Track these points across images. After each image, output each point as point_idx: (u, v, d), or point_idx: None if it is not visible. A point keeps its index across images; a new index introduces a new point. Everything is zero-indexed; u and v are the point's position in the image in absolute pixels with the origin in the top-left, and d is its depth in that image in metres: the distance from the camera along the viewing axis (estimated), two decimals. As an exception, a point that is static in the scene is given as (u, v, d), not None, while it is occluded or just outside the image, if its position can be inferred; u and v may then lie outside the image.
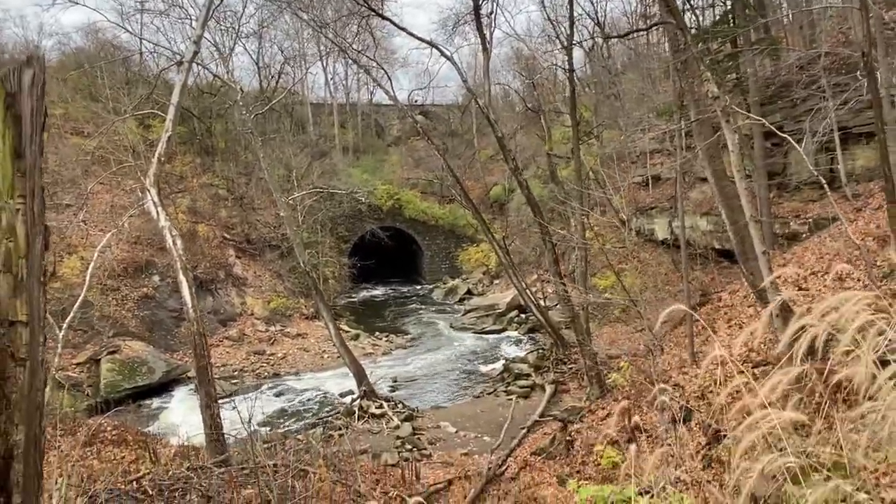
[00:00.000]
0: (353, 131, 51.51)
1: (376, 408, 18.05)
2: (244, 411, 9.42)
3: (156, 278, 26.43)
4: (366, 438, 16.11)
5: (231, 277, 30.39)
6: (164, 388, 21.49)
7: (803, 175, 19.78)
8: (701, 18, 25.73)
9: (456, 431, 16.48)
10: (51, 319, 13.35)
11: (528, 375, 20.69)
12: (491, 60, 21.17)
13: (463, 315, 31.67)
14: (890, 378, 2.14)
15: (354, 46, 25.92)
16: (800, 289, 12.43)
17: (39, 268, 2.55)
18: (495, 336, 27.81)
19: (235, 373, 23.48)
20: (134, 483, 9.01)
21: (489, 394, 19.83)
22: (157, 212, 13.31)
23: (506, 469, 13.03)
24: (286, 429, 17.42)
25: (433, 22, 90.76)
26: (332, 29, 24.00)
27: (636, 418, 8.35)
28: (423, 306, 36.13)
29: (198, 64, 20.16)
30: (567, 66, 19.55)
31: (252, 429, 10.09)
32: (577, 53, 38.76)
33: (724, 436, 7.77)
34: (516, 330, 28.27)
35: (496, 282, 37.23)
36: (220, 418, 12.65)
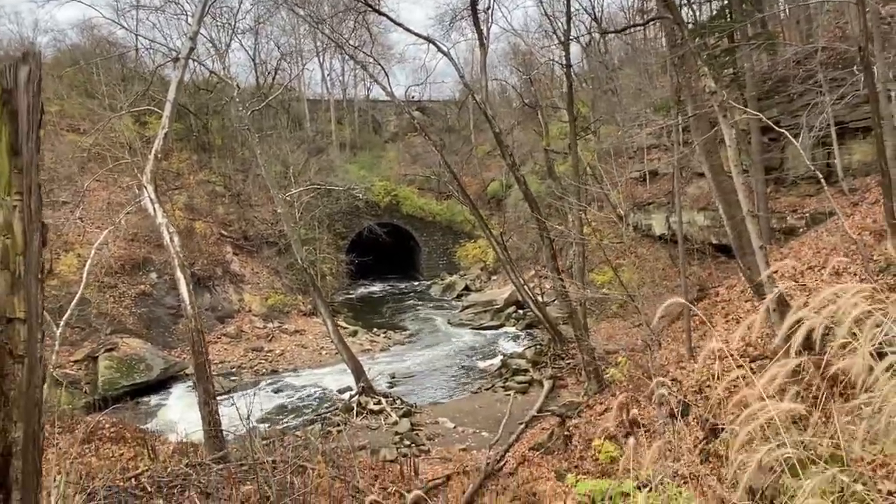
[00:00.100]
0: (350, 127, 51.44)
1: (374, 404, 18.06)
2: (242, 408, 9.42)
3: (153, 275, 26.40)
4: (364, 434, 16.14)
5: (228, 274, 30.36)
6: (162, 385, 21.48)
7: (800, 170, 19.81)
8: (698, 13, 25.75)
9: (454, 427, 16.51)
10: (48, 317, 13.33)
11: (526, 371, 20.73)
12: (488, 56, 21.16)
13: (460, 311, 31.69)
14: (887, 369, 2.15)
15: (351, 42, 25.86)
16: (797, 283, 12.46)
17: (37, 265, 2.55)
18: (493, 332, 27.84)
19: (233, 369, 23.49)
20: (132, 480, 9.02)
21: (487, 389, 19.86)
22: (154, 209, 13.29)
23: (504, 464, 13.06)
24: (285, 425, 17.43)
25: (430, 17, 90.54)
26: (329, 25, 23.93)
27: (634, 411, 8.38)
28: (420, 302, 36.14)
29: (194, 60, 20.11)
30: (564, 62, 19.53)
31: (250, 425, 10.10)
32: (574, 49, 38.65)
33: (722, 430, 7.80)
34: (514, 326, 28.31)
35: (494, 278, 37.27)
36: (218, 415, 12.67)
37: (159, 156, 14.04)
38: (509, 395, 18.73)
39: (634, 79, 33.13)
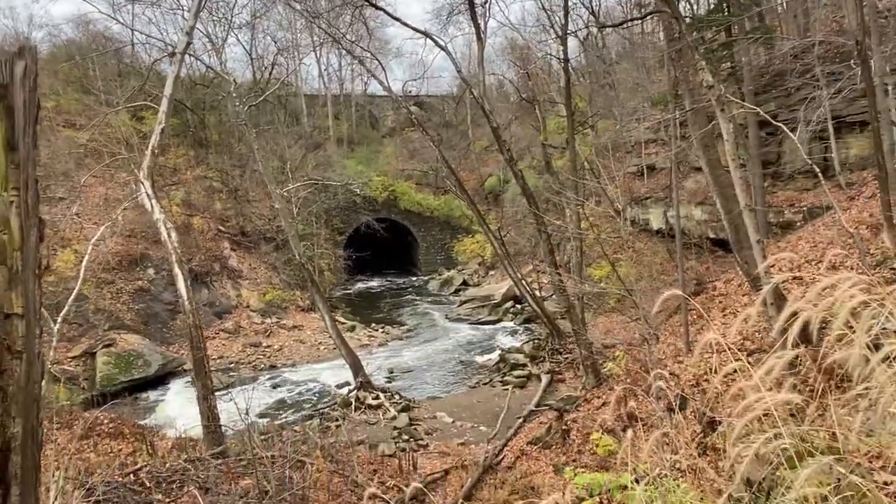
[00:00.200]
0: (347, 122, 51.33)
1: (373, 399, 18.09)
2: (241, 403, 9.44)
3: (150, 271, 26.38)
4: (363, 429, 16.17)
5: (226, 270, 30.34)
6: (160, 380, 21.49)
7: (797, 164, 19.83)
8: (695, 7, 25.75)
9: (452, 421, 16.55)
10: (45, 313, 13.32)
11: (524, 365, 20.77)
12: (485, 50, 21.12)
13: (458, 306, 31.72)
14: (883, 360, 2.16)
15: (348, 37, 25.78)
16: (794, 277, 12.48)
17: (34, 260, 2.55)
18: (491, 327, 27.87)
19: (232, 365, 23.50)
20: (131, 475, 9.04)
21: (485, 384, 19.90)
22: (152, 204, 13.28)
23: (502, 458, 13.10)
24: (283, 420, 17.46)
25: (427, 11, 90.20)
26: (326, 19, 23.84)
27: (632, 404, 8.40)
28: (418, 297, 36.17)
29: (190, 55, 20.06)
30: (562, 56, 19.51)
31: (249, 420, 10.12)
32: (572, 43, 38.56)
33: (719, 423, 7.82)
34: (512, 320, 28.35)
35: (491, 272, 37.29)
36: (216, 410, 12.70)
37: (156, 151, 14.02)
38: (507, 389, 18.77)
39: (632, 73, 33.12)
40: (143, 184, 13.51)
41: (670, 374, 12.80)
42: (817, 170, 11.15)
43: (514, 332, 26.58)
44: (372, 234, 37.12)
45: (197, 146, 35.87)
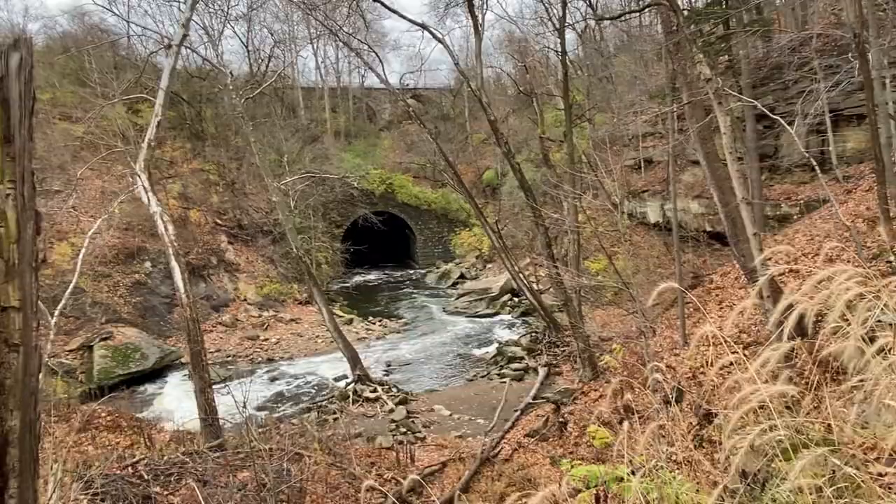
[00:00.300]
0: (344, 115, 51.17)
1: (370, 392, 18.12)
2: (238, 396, 9.44)
3: (147, 264, 26.34)
4: (360, 422, 16.20)
5: (223, 263, 30.31)
6: (157, 373, 21.49)
7: (794, 157, 19.85)
8: (693, 0, 25.65)
9: (450, 414, 16.59)
10: (42, 306, 13.29)
11: (522, 358, 20.82)
12: (483, 43, 21.06)
13: (456, 299, 31.74)
14: (878, 352, 2.17)
15: (345, 29, 25.71)
16: (791, 270, 12.52)
17: (31, 253, 2.54)
18: (488, 320, 27.92)
19: (229, 358, 23.51)
20: (129, 468, 9.05)
21: (483, 377, 19.95)
22: (148, 197, 13.24)
23: (499, 451, 13.15)
24: (281, 413, 17.49)
25: (424, 3, 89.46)
26: (322, 11, 23.73)
27: (628, 397, 8.43)
28: (416, 291, 36.19)
29: (186, 47, 19.93)
30: (559, 49, 19.46)
31: (247, 413, 10.13)
32: (570, 36, 38.55)
33: (715, 416, 7.86)
34: (509, 313, 28.39)
35: (489, 266, 37.32)
36: (214, 403, 12.70)
37: (152, 144, 13.97)
38: (504, 382, 18.81)
39: (630, 66, 33.05)
40: (139, 177, 13.47)
41: (667, 366, 12.86)
42: (814, 163, 11.14)
43: (511, 325, 26.62)
44: (369, 227, 37.09)
45: (194, 139, 35.73)
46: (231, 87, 22.65)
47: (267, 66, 41.53)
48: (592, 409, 13.11)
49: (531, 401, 16.41)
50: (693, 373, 11.95)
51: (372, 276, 40.98)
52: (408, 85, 45.30)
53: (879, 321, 2.29)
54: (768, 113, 11.55)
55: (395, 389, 18.56)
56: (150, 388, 20.62)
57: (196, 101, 35.83)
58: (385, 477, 11.33)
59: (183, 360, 21.44)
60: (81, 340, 21.23)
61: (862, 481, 2.12)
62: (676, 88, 14.69)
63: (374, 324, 28.06)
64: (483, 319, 27.99)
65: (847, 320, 2.30)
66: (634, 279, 18.84)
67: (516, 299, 29.07)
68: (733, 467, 2.16)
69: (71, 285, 14.13)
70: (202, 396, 12.61)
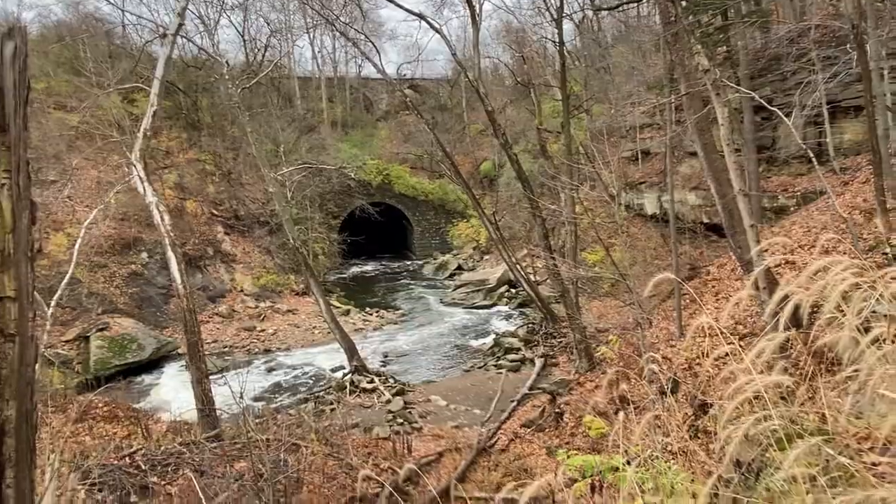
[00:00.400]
0: (341, 106, 50.99)
1: (367, 382, 18.17)
2: (235, 387, 9.46)
3: (144, 255, 26.28)
4: (357, 413, 16.24)
5: (220, 254, 30.27)
6: (154, 364, 21.49)
7: (792, 149, 19.86)
8: (692, -10, 25.51)
9: (447, 405, 16.65)
10: (38, 296, 13.26)
11: (518, 349, 20.87)
12: (480, 33, 20.97)
13: (453, 290, 31.78)
14: (872, 343, 2.18)
15: (342, 19, 25.53)
16: (787, 262, 12.56)
17: (27, 243, 2.53)
18: (485, 311, 27.96)
19: (226, 349, 23.52)
20: (127, 458, 9.08)
21: (479, 368, 20.00)
22: (144, 187, 13.20)
23: (496, 441, 13.20)
24: (278, 404, 17.52)
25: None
26: (319, 0, 23.59)
27: (624, 387, 8.47)
28: (413, 282, 36.21)
29: (182, 37, 19.80)
30: (557, 39, 19.39)
31: (244, 404, 10.15)
32: (568, 26, 38.45)
33: (711, 406, 7.91)
34: (506, 305, 28.44)
35: (486, 257, 37.33)
36: (211, 394, 12.72)
37: (148, 134, 13.91)
38: (501, 373, 18.87)
39: (628, 57, 32.98)
40: (135, 166, 13.42)
41: (663, 357, 12.89)
42: (811, 155, 11.17)
43: (508, 317, 26.67)
44: (367, 218, 37.03)
45: (189, 129, 35.58)
46: (227, 77, 22.53)
47: (263, 56, 41.29)
48: (588, 400, 13.16)
49: (527, 391, 16.47)
50: (689, 364, 12.00)
51: (369, 267, 40.97)
52: (405, 75, 45.10)
53: (874, 312, 2.31)
54: (766, 104, 11.55)
55: (392, 380, 18.61)
56: (146, 378, 20.63)
57: (192, 91, 35.65)
58: (382, 467, 11.37)
59: (180, 350, 21.45)
60: (78, 331, 21.21)
61: (856, 471, 2.14)
62: (674, 79, 14.67)
63: (371, 315, 28.08)
64: (480, 310, 28.04)
65: (842, 311, 2.31)
66: (631, 271, 18.86)
67: (513, 290, 29.11)
68: (727, 457, 2.18)
69: (67, 275, 14.09)
70: (199, 387, 12.62)
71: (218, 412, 12.86)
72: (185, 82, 35.18)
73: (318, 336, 24.70)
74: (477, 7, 20.27)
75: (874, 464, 2.16)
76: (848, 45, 15.25)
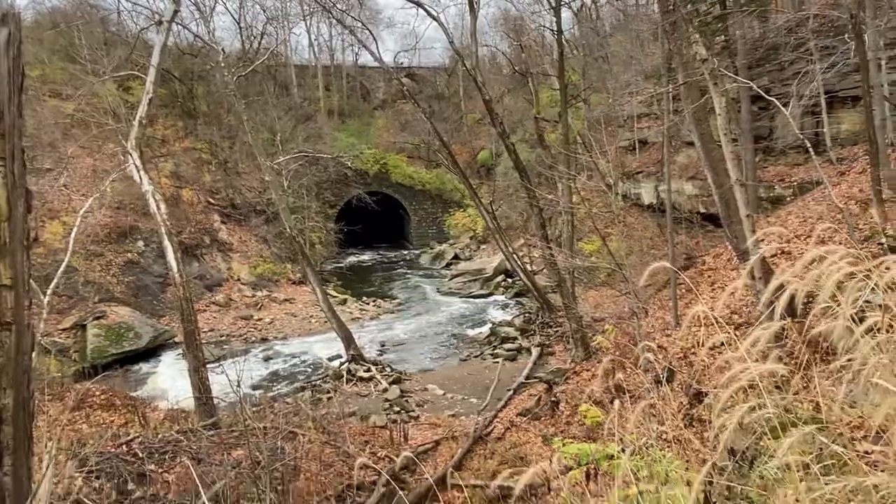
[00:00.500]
0: (338, 94, 50.75)
1: (364, 371, 18.22)
2: (232, 375, 9.47)
3: (140, 244, 26.22)
4: (354, 401, 16.30)
5: (216, 243, 30.21)
6: (151, 353, 21.51)
7: (789, 139, 19.86)
8: (690, -21, 25.37)
9: (443, 394, 16.71)
10: (34, 285, 13.23)
11: (515, 339, 20.93)
12: (478, 21, 20.84)
13: (450, 280, 31.81)
14: (866, 332, 2.20)
15: (338, 6, 25.35)
16: (782, 252, 12.60)
17: (22, 231, 2.53)
18: (482, 300, 28.01)
19: (223, 338, 23.53)
20: (124, 446, 9.10)
21: (476, 357, 20.06)
22: (140, 176, 13.15)
23: (492, 429, 13.27)
24: (275, 392, 17.56)
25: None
26: (316, -12, 23.41)
27: (619, 376, 8.51)
28: (410, 271, 36.22)
29: (178, 24, 19.68)
30: (555, 28, 19.30)
31: (241, 392, 10.17)
32: (566, 14, 38.21)
33: (706, 395, 7.95)
34: (503, 294, 28.48)
35: (483, 246, 37.34)
36: (208, 382, 12.75)
37: (144, 122, 13.84)
38: (498, 362, 18.93)
39: (626, 46, 32.85)
40: (131, 155, 13.36)
41: (658, 346, 12.97)
42: (808, 145, 11.17)
43: (505, 306, 26.72)
44: (363, 207, 36.98)
45: (185, 117, 35.39)
46: (223, 65, 22.37)
47: (259, 44, 41.06)
48: (584, 389, 13.23)
49: (524, 380, 16.54)
50: (684, 353, 12.06)
51: (366, 257, 40.96)
52: (402, 63, 44.90)
53: (869, 301, 2.32)
54: (764, 94, 11.53)
55: (388, 369, 18.65)
56: (144, 367, 20.65)
57: (188, 79, 35.42)
58: (379, 455, 11.43)
59: (177, 339, 21.45)
60: (74, 319, 21.19)
61: (849, 459, 2.16)
62: (672, 69, 14.61)
63: (367, 304, 28.11)
64: (477, 300, 28.08)
65: (837, 301, 2.32)
66: (628, 260, 18.88)
67: (510, 280, 29.15)
68: (722, 445, 2.20)
69: (63, 264, 14.08)
70: (196, 375, 12.64)
71: (215, 400, 12.89)
72: (180, 70, 34.96)
73: (314, 325, 24.73)
74: (474, -5, 20.12)
75: (867, 452, 2.18)
76: (846, 35, 15.21)
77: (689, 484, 2.63)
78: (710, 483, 2.42)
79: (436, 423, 14.40)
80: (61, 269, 13.74)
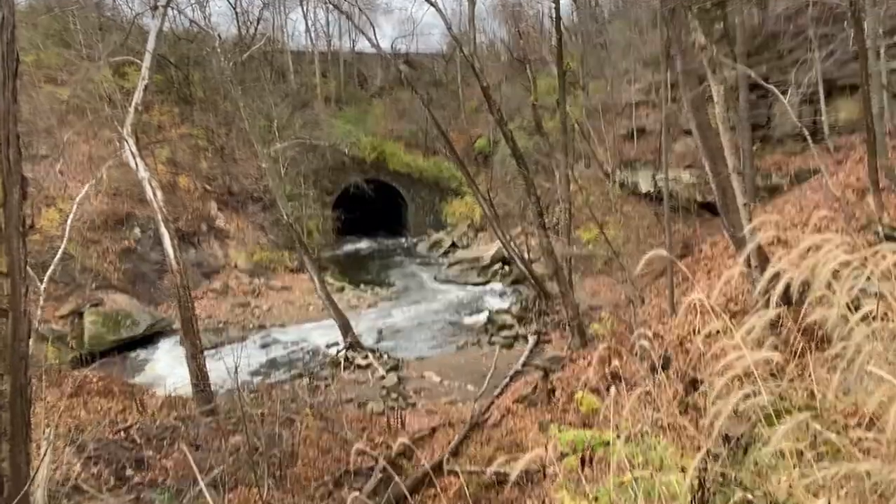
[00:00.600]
0: (335, 81, 50.39)
1: (362, 358, 18.27)
2: (230, 362, 9.50)
3: (137, 231, 26.15)
4: (352, 388, 16.36)
5: (213, 230, 30.14)
6: (148, 340, 21.53)
7: (787, 127, 19.83)
8: (690, -35, 25.21)
9: (440, 381, 16.78)
10: (31, 272, 13.20)
11: (512, 326, 20.99)
12: (476, 8, 20.71)
13: (447, 267, 31.83)
14: (861, 320, 2.21)
15: (336, -8, 25.17)
16: (779, 240, 12.63)
17: (18, 218, 2.52)
18: (479, 288, 28.04)
19: (221, 325, 23.54)
20: (122, 432, 9.14)
21: (473, 344, 20.13)
22: (136, 163, 13.10)
23: (489, 416, 13.34)
24: (273, 379, 17.61)
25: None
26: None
27: (616, 363, 8.55)
28: (407, 259, 36.23)
29: (173, 8, 19.50)
30: (554, 14, 19.18)
31: (239, 379, 10.20)
32: (565, 1, 37.98)
33: (701, 383, 8.00)
34: (500, 282, 28.51)
35: (480, 234, 37.30)
36: (206, 369, 12.77)
37: (140, 108, 13.76)
38: (494, 349, 19.00)
39: (625, 33, 32.70)
40: (127, 141, 13.29)
41: (655, 334, 13.01)
42: (806, 133, 11.15)
43: (502, 294, 26.77)
44: (361, 195, 36.88)
45: (182, 103, 35.14)
46: (219, 51, 22.21)
47: (255, 29, 40.75)
48: (580, 376, 13.28)
49: (520, 368, 16.62)
50: (680, 340, 12.10)
51: (363, 245, 40.92)
52: (399, 50, 44.63)
53: (864, 290, 2.33)
54: (762, 82, 11.50)
55: (386, 356, 18.71)
56: (141, 354, 20.69)
57: (183, 65, 35.14)
58: (376, 441, 11.49)
59: (174, 326, 21.47)
60: (72, 306, 21.17)
61: (842, 446, 2.17)
62: (671, 56, 14.55)
63: (365, 292, 28.12)
64: (474, 288, 28.12)
65: (833, 289, 2.33)
66: (625, 248, 18.94)
67: (507, 268, 29.16)
68: (716, 432, 2.21)
69: (59, 251, 14.03)
70: (194, 362, 12.67)
71: (213, 387, 12.93)
72: (176, 56, 34.64)
73: (312, 312, 24.75)
74: (473, -19, 19.99)
75: (860, 439, 2.20)
76: (845, 23, 15.16)
77: (683, 470, 2.65)
78: (705, 469, 2.44)
79: (433, 409, 14.48)
80: (58, 256, 13.70)
